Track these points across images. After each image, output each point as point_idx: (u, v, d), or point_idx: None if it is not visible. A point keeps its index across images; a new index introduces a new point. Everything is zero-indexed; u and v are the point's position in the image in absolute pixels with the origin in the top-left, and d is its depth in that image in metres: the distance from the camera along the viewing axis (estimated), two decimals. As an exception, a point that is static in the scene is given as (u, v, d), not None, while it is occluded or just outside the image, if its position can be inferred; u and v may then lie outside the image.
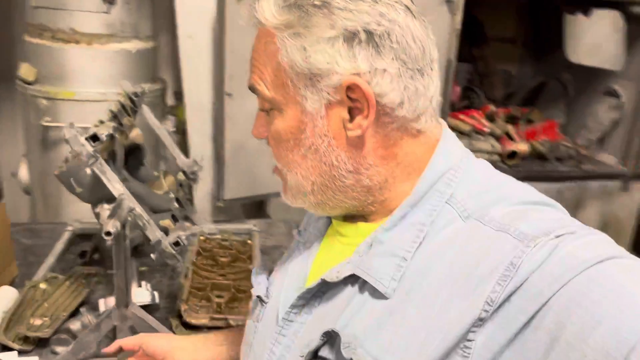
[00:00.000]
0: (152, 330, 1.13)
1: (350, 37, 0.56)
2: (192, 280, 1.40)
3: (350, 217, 0.68)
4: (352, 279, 0.62)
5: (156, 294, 1.36)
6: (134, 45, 1.91)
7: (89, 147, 1.05)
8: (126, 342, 0.94)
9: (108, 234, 0.98)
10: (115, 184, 1.08)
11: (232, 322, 1.25)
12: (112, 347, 0.95)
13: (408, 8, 0.59)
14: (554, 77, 3.25)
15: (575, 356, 0.47)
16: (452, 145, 0.64)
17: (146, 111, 1.43)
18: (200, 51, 1.83)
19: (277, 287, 0.73)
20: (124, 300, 1.09)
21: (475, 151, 2.40)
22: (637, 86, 2.68)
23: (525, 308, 0.50)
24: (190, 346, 0.90)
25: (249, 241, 1.69)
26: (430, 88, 0.61)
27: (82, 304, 1.32)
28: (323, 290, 0.64)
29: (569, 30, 3.03)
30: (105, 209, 1.21)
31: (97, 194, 1.20)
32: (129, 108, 1.32)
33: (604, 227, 2.65)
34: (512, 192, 0.60)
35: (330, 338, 0.59)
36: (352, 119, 0.59)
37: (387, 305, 0.58)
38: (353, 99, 0.58)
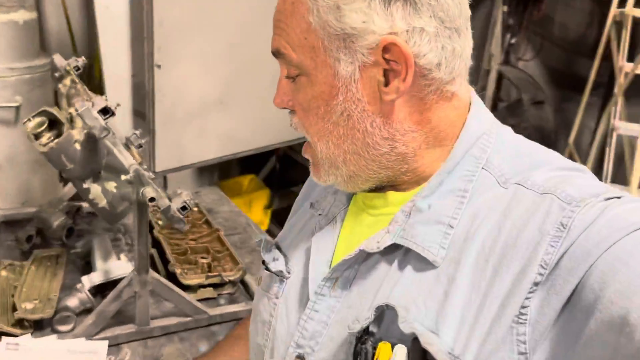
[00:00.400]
0: (171, 293, 1.20)
1: None
2: (171, 248, 1.46)
3: (379, 188, 0.65)
4: (392, 250, 0.59)
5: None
6: (21, 16, 1.79)
7: (101, 121, 1.07)
8: None
9: (152, 199, 1.03)
10: (126, 155, 1.11)
11: (225, 279, 1.37)
12: None
13: None
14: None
15: (618, 313, 0.45)
16: (483, 109, 0.63)
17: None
18: (118, 22, 1.79)
19: (299, 261, 0.70)
20: (145, 267, 1.14)
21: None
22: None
23: (576, 270, 0.49)
24: None
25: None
26: (466, 48, 0.59)
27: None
28: (359, 262, 0.62)
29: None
30: (98, 184, 1.23)
31: (87, 169, 1.21)
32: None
33: None
34: (547, 158, 0.60)
35: (383, 312, 0.56)
36: (387, 82, 0.57)
37: (436, 275, 0.56)
38: (389, 60, 0.56)
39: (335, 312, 0.62)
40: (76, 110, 1.08)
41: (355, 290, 0.61)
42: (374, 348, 0.55)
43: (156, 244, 1.53)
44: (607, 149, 2.32)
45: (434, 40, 0.55)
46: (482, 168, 0.59)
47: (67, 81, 1.41)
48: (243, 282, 1.43)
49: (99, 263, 1.35)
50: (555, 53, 4.93)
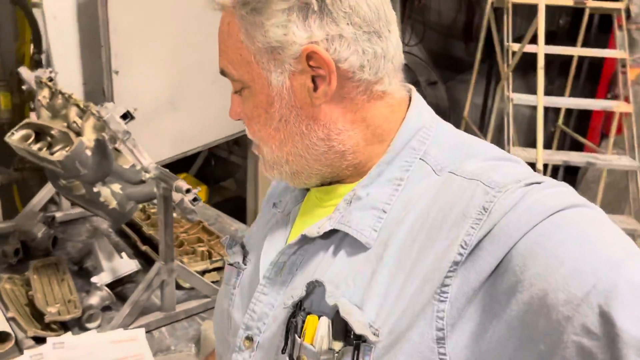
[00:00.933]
0: (193, 278, 1.32)
1: (304, 7, 0.58)
2: (167, 241, 1.55)
3: (327, 183, 0.69)
4: (333, 235, 0.63)
5: (136, 261, 1.48)
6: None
7: (123, 125, 1.17)
8: None
9: (188, 190, 1.14)
10: (145, 155, 1.21)
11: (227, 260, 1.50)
12: None
13: None
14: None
15: (537, 294, 0.48)
16: (422, 106, 0.67)
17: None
18: (67, 31, 1.81)
19: (256, 253, 0.74)
20: (171, 256, 1.25)
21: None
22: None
23: (495, 252, 0.51)
24: None
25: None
26: (390, 49, 0.62)
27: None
28: (305, 249, 0.65)
29: None
30: (107, 187, 1.30)
31: (99, 173, 1.28)
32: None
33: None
34: (482, 149, 0.63)
35: (315, 289, 0.60)
36: (316, 88, 0.60)
37: (366, 256, 0.59)
38: (314, 67, 0.60)
39: (280, 294, 0.65)
40: (99, 117, 1.16)
41: (299, 274, 0.65)
42: (304, 322, 0.59)
43: (147, 240, 1.62)
44: (505, 118, 2.72)
45: (353, 45, 0.59)
46: (420, 159, 0.62)
47: (45, 92, 1.44)
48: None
49: (104, 263, 1.42)
50: (434, 38, 5.46)
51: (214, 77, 2.21)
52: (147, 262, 1.53)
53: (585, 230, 0.50)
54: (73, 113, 1.32)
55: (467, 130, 3.73)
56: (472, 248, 0.52)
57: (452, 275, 0.52)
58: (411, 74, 4.00)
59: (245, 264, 0.74)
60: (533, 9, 2.64)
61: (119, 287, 1.42)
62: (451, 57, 5.91)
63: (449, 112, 4.15)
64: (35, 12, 1.76)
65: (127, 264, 1.44)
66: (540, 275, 0.48)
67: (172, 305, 1.30)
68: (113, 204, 1.32)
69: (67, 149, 1.23)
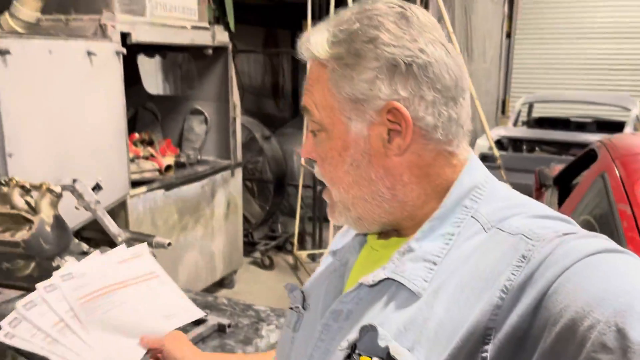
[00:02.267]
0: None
1: (392, 68, 0.63)
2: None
3: (384, 234, 0.74)
4: (387, 284, 0.67)
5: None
6: None
7: (95, 196, 1.27)
8: (152, 342, 1.06)
9: (169, 244, 1.27)
10: (113, 223, 1.32)
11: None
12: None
13: (444, 45, 0.66)
14: (141, 106, 4.02)
15: (566, 324, 0.51)
16: (477, 166, 0.70)
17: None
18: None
19: (315, 299, 0.78)
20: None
21: (143, 171, 2.98)
22: (214, 104, 3.80)
23: (533, 294, 0.55)
24: (181, 339, 1.04)
25: None
26: (462, 115, 0.67)
27: None
28: (360, 297, 0.69)
29: (143, 69, 3.87)
30: (66, 259, 1.36)
31: (61, 247, 1.33)
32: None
33: (229, 203, 3.71)
34: (530, 207, 0.66)
35: (368, 332, 0.63)
36: (391, 140, 0.66)
37: (418, 304, 0.63)
38: (392, 121, 0.65)
39: (337, 339, 0.69)
40: (72, 190, 1.24)
41: (354, 320, 0.68)
42: None
43: None
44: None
45: (431, 107, 0.64)
46: (472, 216, 0.66)
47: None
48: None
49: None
50: (250, 98, 5.95)
51: (91, 152, 2.41)
52: None
53: (615, 267, 0.54)
54: (16, 194, 1.35)
55: (307, 173, 4.17)
56: (513, 292, 0.56)
57: (494, 318, 0.56)
58: (247, 131, 4.35)
59: (304, 309, 0.79)
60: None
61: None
62: (266, 115, 6.46)
63: (285, 161, 4.58)
64: None
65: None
66: (569, 307, 0.52)
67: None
68: (72, 275, 1.36)
69: (27, 228, 1.26)
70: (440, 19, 4.17)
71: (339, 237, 0.88)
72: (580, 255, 0.55)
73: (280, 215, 4.88)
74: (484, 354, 0.57)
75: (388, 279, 0.66)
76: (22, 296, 1.68)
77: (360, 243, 0.78)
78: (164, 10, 2.99)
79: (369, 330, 0.63)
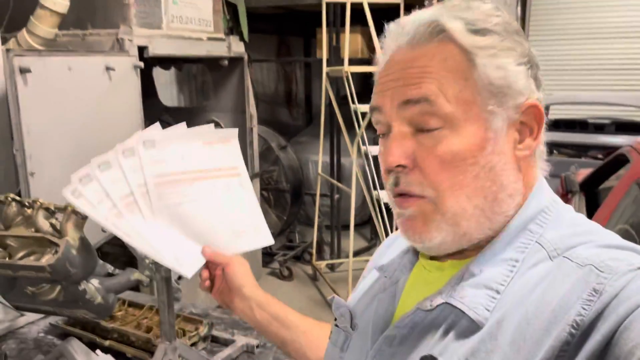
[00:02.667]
0: (193, 353, 1.38)
1: (532, 67, 0.63)
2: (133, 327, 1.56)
3: (438, 257, 0.68)
4: (445, 310, 0.62)
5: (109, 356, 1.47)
6: None
7: (121, 219, 1.23)
8: (218, 258, 1.04)
9: (180, 277, 1.23)
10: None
11: (200, 335, 1.57)
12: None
13: None
14: (157, 119, 4.01)
15: (626, 348, 0.49)
16: (545, 187, 0.66)
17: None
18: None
19: (364, 318, 0.74)
20: (173, 335, 1.30)
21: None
22: (230, 115, 3.78)
23: (605, 331, 0.52)
24: (246, 266, 1.05)
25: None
26: None
27: None
28: (415, 321, 0.65)
29: (158, 82, 3.87)
30: (93, 282, 1.33)
31: (87, 270, 1.29)
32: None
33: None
34: (599, 236, 0.62)
35: None
36: (522, 140, 0.62)
37: (480, 334, 0.59)
38: (523, 122, 0.62)
39: None
40: (83, 216, 1.20)
41: (409, 346, 0.64)
42: None
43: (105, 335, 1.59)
44: (367, 168, 3.17)
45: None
46: (536, 242, 0.62)
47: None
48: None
49: (84, 364, 1.39)
50: (263, 107, 5.93)
51: None
52: (115, 356, 1.52)
53: None
54: (41, 217, 1.32)
55: (329, 183, 4.12)
56: (583, 328, 0.53)
57: (563, 354, 0.54)
58: (262, 141, 4.32)
59: (352, 328, 0.75)
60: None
61: (101, 385, 1.40)
62: (280, 123, 6.44)
63: (301, 170, 4.55)
64: None
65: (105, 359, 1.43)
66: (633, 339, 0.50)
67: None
68: (98, 299, 1.33)
69: (52, 252, 1.23)
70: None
71: (385, 249, 0.83)
72: None
73: (298, 224, 4.84)
74: None
75: (446, 304, 0.62)
76: (45, 318, 1.65)
77: (412, 262, 0.73)
78: (180, 22, 2.98)
79: None
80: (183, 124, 1.09)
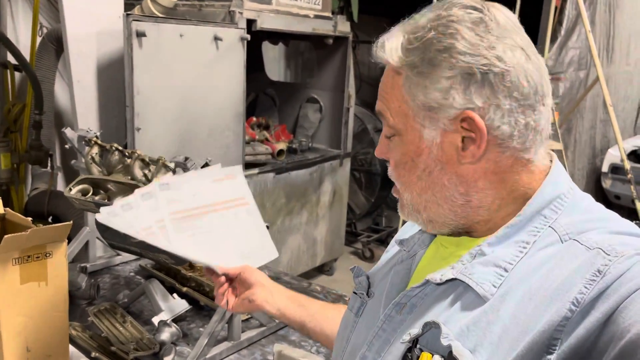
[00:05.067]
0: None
1: (467, 77, 0.62)
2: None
3: (457, 234, 0.72)
4: (454, 284, 0.66)
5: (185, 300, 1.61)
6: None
7: (203, 176, 1.34)
8: (230, 270, 1.09)
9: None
10: (218, 202, 1.38)
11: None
12: (222, 277, 1.09)
13: (524, 50, 0.63)
14: (262, 91, 4.18)
15: (631, 338, 0.51)
16: (561, 176, 0.68)
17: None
18: (88, 93, 1.94)
19: (380, 287, 0.79)
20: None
21: (257, 154, 3.09)
22: (329, 94, 3.85)
23: (605, 310, 0.54)
24: (269, 287, 1.07)
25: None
26: (541, 122, 0.65)
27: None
28: (426, 292, 0.69)
29: (266, 55, 4.01)
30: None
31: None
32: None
33: (335, 192, 3.76)
34: (614, 224, 0.64)
35: (431, 329, 0.64)
36: (465, 147, 0.65)
37: (483, 308, 0.62)
38: (467, 129, 0.64)
39: (398, 331, 0.69)
40: (184, 167, 1.32)
41: (417, 314, 0.68)
42: (418, 357, 0.63)
43: (184, 282, 1.74)
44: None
45: (507, 116, 0.63)
46: (550, 226, 0.65)
47: (95, 149, 1.57)
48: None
49: (161, 304, 1.54)
50: (367, 90, 5.92)
51: (209, 131, 2.50)
52: (189, 302, 1.66)
53: None
54: (137, 167, 1.47)
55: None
56: (584, 306, 0.56)
57: (561, 329, 0.56)
58: (359, 122, 4.36)
59: (369, 296, 0.80)
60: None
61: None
62: (382, 106, 6.37)
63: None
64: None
65: (181, 304, 1.56)
66: (637, 323, 0.52)
67: (239, 334, 1.44)
68: (176, 248, 1.46)
69: (143, 198, 1.37)
70: (578, 15, 3.86)
71: (409, 227, 0.87)
72: None
73: (386, 209, 4.85)
74: None
75: (456, 279, 0.66)
76: (137, 260, 1.83)
77: (430, 237, 0.78)
78: (289, -1, 3.07)
79: (432, 327, 0.63)
80: (193, 171, 1.28)
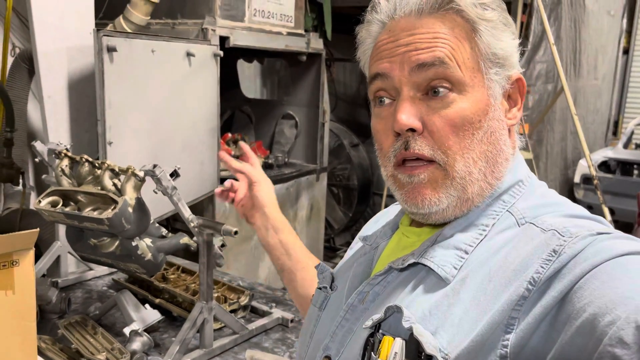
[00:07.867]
0: (227, 316, 1.47)
1: (517, 46, 0.70)
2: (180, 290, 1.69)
3: (417, 223, 0.73)
4: (416, 269, 0.67)
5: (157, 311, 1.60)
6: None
7: (172, 182, 1.35)
8: (236, 166, 1.20)
9: (236, 233, 1.33)
10: (187, 209, 1.40)
11: (240, 304, 1.66)
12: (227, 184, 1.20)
13: None
14: (238, 109, 4.21)
15: (588, 319, 0.51)
16: (520, 164, 0.71)
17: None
18: (59, 109, 1.95)
19: (343, 280, 0.79)
20: (210, 296, 1.41)
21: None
22: (304, 109, 3.89)
23: (560, 288, 0.54)
24: (271, 188, 1.16)
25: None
26: None
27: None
28: (388, 280, 0.69)
29: (242, 73, 4.05)
30: (145, 240, 1.46)
31: (140, 228, 1.43)
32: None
33: (312, 207, 3.77)
34: (567, 208, 0.66)
35: (393, 313, 0.63)
36: (509, 109, 0.69)
37: (444, 290, 0.63)
38: (511, 92, 0.69)
39: (361, 320, 0.69)
40: (152, 175, 1.33)
41: (380, 302, 0.68)
42: (380, 341, 0.63)
43: (156, 294, 1.74)
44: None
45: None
46: (507, 210, 0.67)
47: (66, 162, 1.58)
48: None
49: (133, 314, 1.53)
50: (343, 107, 5.99)
51: (183, 145, 2.51)
52: (162, 313, 1.65)
53: None
54: (107, 177, 1.47)
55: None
56: (540, 285, 0.56)
57: (519, 308, 0.57)
58: (335, 138, 4.40)
59: (332, 289, 0.80)
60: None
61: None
62: (357, 123, 6.47)
63: (371, 170, 4.58)
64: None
65: (153, 314, 1.56)
66: (592, 303, 0.51)
67: (211, 342, 1.44)
68: (148, 255, 1.46)
69: (112, 207, 1.38)
70: (543, 30, 3.98)
71: (372, 224, 0.88)
72: (611, 254, 0.54)
73: (363, 222, 4.88)
74: (505, 342, 0.56)
75: (418, 264, 0.66)
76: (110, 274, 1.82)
77: (392, 229, 0.78)
78: (261, 16, 3.12)
79: (394, 311, 0.63)
80: None
